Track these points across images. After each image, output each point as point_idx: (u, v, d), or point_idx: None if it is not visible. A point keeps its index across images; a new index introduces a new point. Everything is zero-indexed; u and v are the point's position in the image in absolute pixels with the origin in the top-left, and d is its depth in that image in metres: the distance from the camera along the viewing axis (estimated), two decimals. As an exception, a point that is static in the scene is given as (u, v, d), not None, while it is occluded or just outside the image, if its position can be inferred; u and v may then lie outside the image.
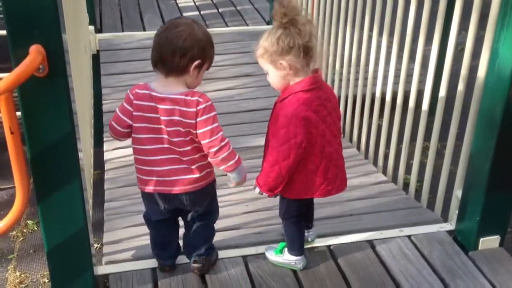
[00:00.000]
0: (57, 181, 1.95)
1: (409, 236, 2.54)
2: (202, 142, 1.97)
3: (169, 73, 1.95)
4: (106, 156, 3.28)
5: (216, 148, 1.97)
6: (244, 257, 2.40)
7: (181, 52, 1.91)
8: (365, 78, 3.28)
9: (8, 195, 3.53)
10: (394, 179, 3.08)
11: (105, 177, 3.09)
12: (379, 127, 3.17)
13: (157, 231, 2.24)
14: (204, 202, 2.14)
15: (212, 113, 1.98)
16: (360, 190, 2.95)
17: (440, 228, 2.59)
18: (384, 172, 3.16)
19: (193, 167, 2.02)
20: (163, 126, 1.96)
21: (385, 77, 3.06)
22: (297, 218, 2.26)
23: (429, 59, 2.68)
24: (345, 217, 2.71)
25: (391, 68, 2.99)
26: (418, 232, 2.56)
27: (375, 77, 3.16)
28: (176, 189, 2.04)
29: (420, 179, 2.90)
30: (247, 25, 5.03)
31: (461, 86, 2.50)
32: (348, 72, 3.52)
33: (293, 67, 1.96)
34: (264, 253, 2.40)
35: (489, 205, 2.34)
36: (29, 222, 3.28)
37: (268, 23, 4.99)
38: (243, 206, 2.81)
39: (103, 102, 3.82)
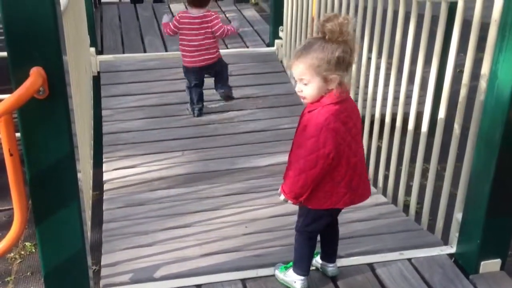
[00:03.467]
0: (56, 202, 1.94)
1: (409, 259, 2.52)
2: (217, 33, 3.77)
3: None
4: (105, 176, 3.27)
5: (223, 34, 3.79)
6: (243, 280, 2.38)
7: None
8: (365, 100, 3.29)
9: (6, 217, 3.51)
10: (394, 200, 3.07)
11: (104, 197, 3.09)
12: (379, 149, 3.17)
13: (194, 89, 3.89)
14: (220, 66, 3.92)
15: (218, 19, 3.76)
16: (360, 212, 2.93)
17: (440, 251, 2.57)
18: (384, 193, 3.15)
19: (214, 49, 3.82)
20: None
21: (384, 98, 3.07)
22: (311, 234, 2.25)
23: (428, 81, 2.70)
24: (345, 239, 2.69)
25: (390, 89, 3.01)
26: (419, 255, 2.55)
27: (374, 99, 3.17)
28: (204, 63, 3.82)
29: (420, 201, 2.89)
30: (247, 47, 5.06)
31: (460, 108, 2.50)
32: (348, 94, 3.52)
33: (341, 82, 1.99)
34: (263, 277, 2.38)
35: (489, 228, 2.33)
36: (27, 244, 3.26)
37: (268, 45, 5.02)
38: (243, 227, 2.80)
39: (103, 123, 3.83)
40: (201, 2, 3.74)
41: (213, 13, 3.77)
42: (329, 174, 2.07)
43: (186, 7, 3.74)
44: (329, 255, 2.39)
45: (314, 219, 2.21)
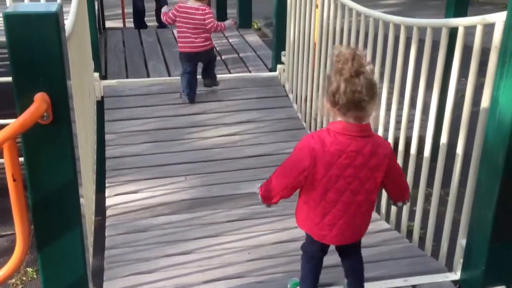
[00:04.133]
0: (58, 228, 1.94)
1: (413, 286, 2.50)
2: (207, 26, 4.17)
3: None
4: (108, 202, 3.27)
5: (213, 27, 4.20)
6: (246, 307, 2.36)
7: None
8: (367, 125, 3.29)
9: (8, 242, 3.50)
10: (398, 226, 3.05)
11: (106, 223, 3.08)
12: (382, 174, 3.16)
13: (185, 76, 4.31)
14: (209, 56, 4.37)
15: (211, 14, 4.18)
16: (363, 238, 2.91)
17: (445, 278, 2.55)
18: (387, 219, 3.13)
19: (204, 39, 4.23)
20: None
21: (387, 123, 3.07)
22: (307, 254, 2.30)
23: (430, 105, 2.70)
24: (348, 265, 2.67)
25: (392, 114, 3.01)
26: (423, 281, 2.52)
27: (376, 123, 3.17)
28: (196, 50, 4.23)
29: (424, 227, 2.87)
30: (250, 72, 5.09)
31: (462, 133, 2.51)
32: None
33: (330, 110, 2.00)
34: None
35: (494, 254, 2.31)
36: (29, 269, 3.24)
37: (270, 70, 5.05)
38: (246, 253, 2.78)
39: (106, 147, 3.83)
40: None
41: (206, 8, 4.19)
42: (305, 195, 2.12)
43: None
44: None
45: (307, 240, 2.28)
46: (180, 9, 4.21)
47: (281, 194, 2.11)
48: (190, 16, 4.17)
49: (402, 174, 2.22)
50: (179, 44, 4.28)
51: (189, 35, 4.21)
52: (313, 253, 2.28)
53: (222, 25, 4.25)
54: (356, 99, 1.91)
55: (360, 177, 2.03)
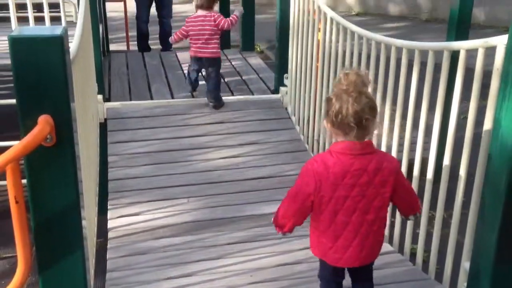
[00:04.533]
0: (60, 250, 1.93)
1: (417, 309, 2.47)
2: (224, 27, 4.48)
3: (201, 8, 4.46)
4: (110, 224, 3.26)
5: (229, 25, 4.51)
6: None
7: None
8: (370, 147, 3.29)
9: (9, 264, 3.49)
10: (401, 249, 3.03)
11: (108, 246, 3.06)
12: (385, 196, 3.14)
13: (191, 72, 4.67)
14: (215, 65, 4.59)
15: (221, 17, 4.48)
16: (367, 260, 2.89)
17: (449, 301, 2.52)
18: (390, 242, 3.11)
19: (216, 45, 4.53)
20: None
21: (389, 145, 3.08)
22: (324, 282, 2.31)
23: (433, 127, 2.71)
24: (351, 288, 2.65)
25: (395, 136, 3.02)
26: (427, 304, 2.50)
27: (378, 145, 3.18)
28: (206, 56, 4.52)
29: (427, 249, 2.85)
30: (253, 94, 5.12)
31: (465, 155, 2.50)
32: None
33: (332, 131, 2.06)
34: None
35: (498, 277, 2.28)
36: (30, 291, 3.22)
37: (273, 92, 5.07)
38: (248, 276, 2.76)
39: (109, 169, 3.84)
40: (208, 5, 4.46)
41: (215, 14, 4.49)
42: (315, 220, 2.13)
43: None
44: None
45: (321, 266, 2.27)
46: (190, 21, 4.48)
47: (292, 221, 2.12)
48: (201, 25, 4.45)
49: (411, 188, 2.23)
50: (192, 49, 4.58)
51: (201, 42, 4.49)
52: (329, 278, 2.27)
53: (234, 16, 4.53)
54: (359, 118, 1.95)
55: (368, 195, 2.04)
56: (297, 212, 2.10)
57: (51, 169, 1.82)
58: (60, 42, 1.74)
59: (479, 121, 2.39)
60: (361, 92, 1.97)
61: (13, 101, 1.78)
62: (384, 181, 2.05)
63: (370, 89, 2.01)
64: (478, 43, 2.36)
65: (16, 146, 1.63)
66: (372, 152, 2.04)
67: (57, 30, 1.76)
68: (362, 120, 1.95)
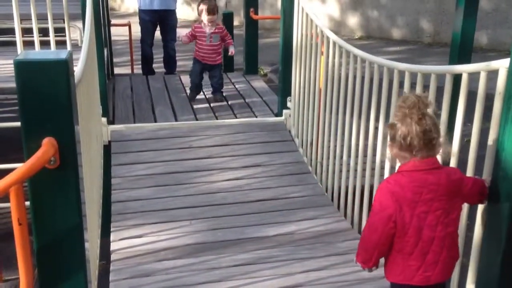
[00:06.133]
0: (62, 272, 1.93)
1: (422, 334, 2.43)
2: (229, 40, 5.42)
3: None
4: (113, 246, 3.25)
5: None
6: None
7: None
8: (372, 169, 3.30)
9: (12, 287, 3.47)
10: (405, 272, 3.00)
11: (111, 268, 3.05)
12: (388, 218, 3.13)
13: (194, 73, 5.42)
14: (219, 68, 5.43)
15: (227, 34, 5.38)
16: (371, 284, 2.88)
17: (454, 325, 2.49)
18: (395, 264, 3.08)
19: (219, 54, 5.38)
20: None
21: (392, 167, 3.07)
22: None
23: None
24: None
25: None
26: (432, 329, 2.46)
27: (382, 167, 3.17)
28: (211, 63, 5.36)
29: (432, 273, 2.82)
30: (256, 117, 5.14)
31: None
32: (356, 163, 3.54)
33: (399, 154, 2.12)
34: None
35: (504, 301, 2.26)
36: (31, 315, 3.20)
37: (276, 115, 5.10)
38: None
39: (112, 191, 3.84)
40: (214, 10, 5.18)
41: (222, 26, 5.32)
42: (397, 244, 2.11)
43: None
44: None
45: None
46: (198, 29, 5.21)
47: (377, 251, 2.14)
48: (208, 37, 5.17)
49: (476, 180, 2.25)
50: (196, 52, 5.31)
51: (207, 51, 5.26)
52: None
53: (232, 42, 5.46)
54: (427, 138, 2.05)
55: (446, 208, 2.11)
56: (380, 240, 2.10)
57: (55, 191, 1.83)
58: (65, 66, 1.76)
59: (482, 143, 2.39)
60: (424, 113, 2.06)
61: (17, 124, 1.80)
62: (457, 191, 2.13)
63: (431, 110, 2.11)
64: (480, 67, 2.37)
65: (20, 168, 1.65)
66: (440, 167, 2.13)
67: (62, 54, 1.79)
68: (431, 140, 2.06)
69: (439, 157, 2.18)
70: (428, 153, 2.08)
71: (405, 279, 2.16)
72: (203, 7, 5.14)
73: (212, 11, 5.13)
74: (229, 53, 5.48)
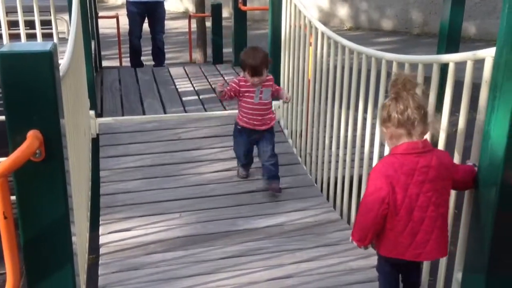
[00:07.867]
0: (49, 266, 1.92)
1: (411, 322, 2.46)
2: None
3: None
4: (102, 240, 3.24)
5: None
6: None
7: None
8: (361, 159, 3.31)
9: None
10: (394, 261, 3.02)
11: (100, 262, 3.04)
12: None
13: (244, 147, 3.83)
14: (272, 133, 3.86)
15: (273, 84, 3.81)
16: (359, 274, 2.89)
17: (442, 313, 2.51)
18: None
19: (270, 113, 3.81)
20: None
21: (381, 157, 3.07)
22: (385, 276, 2.41)
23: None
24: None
25: (386, 148, 3.02)
26: (420, 317, 2.48)
27: (370, 158, 3.18)
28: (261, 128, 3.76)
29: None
30: (245, 108, 5.12)
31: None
32: (344, 153, 3.55)
33: (394, 133, 2.18)
34: None
35: (491, 288, 2.28)
36: (20, 309, 3.18)
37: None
38: (240, 291, 2.75)
39: (101, 184, 3.82)
40: (261, 71, 3.59)
41: (269, 75, 3.73)
42: (390, 222, 2.19)
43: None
44: None
45: (382, 262, 2.39)
46: (242, 84, 3.67)
47: (372, 229, 2.22)
48: (257, 92, 3.66)
49: (466, 166, 2.29)
50: (242, 119, 3.74)
51: (257, 112, 3.70)
52: (389, 272, 2.40)
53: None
54: (422, 112, 2.14)
55: (438, 189, 2.18)
56: (376, 218, 2.18)
57: (40, 184, 1.82)
58: (49, 58, 1.75)
59: (469, 133, 2.40)
60: (415, 90, 2.17)
61: (2, 117, 1.78)
62: (447, 174, 2.20)
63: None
64: (467, 56, 2.38)
65: (4, 161, 1.63)
66: (431, 150, 2.20)
67: (47, 46, 1.77)
68: (425, 114, 2.15)
69: (428, 137, 2.26)
70: (422, 129, 2.16)
71: (398, 253, 2.25)
72: (246, 63, 3.59)
73: (258, 72, 3.56)
74: (285, 100, 3.87)
